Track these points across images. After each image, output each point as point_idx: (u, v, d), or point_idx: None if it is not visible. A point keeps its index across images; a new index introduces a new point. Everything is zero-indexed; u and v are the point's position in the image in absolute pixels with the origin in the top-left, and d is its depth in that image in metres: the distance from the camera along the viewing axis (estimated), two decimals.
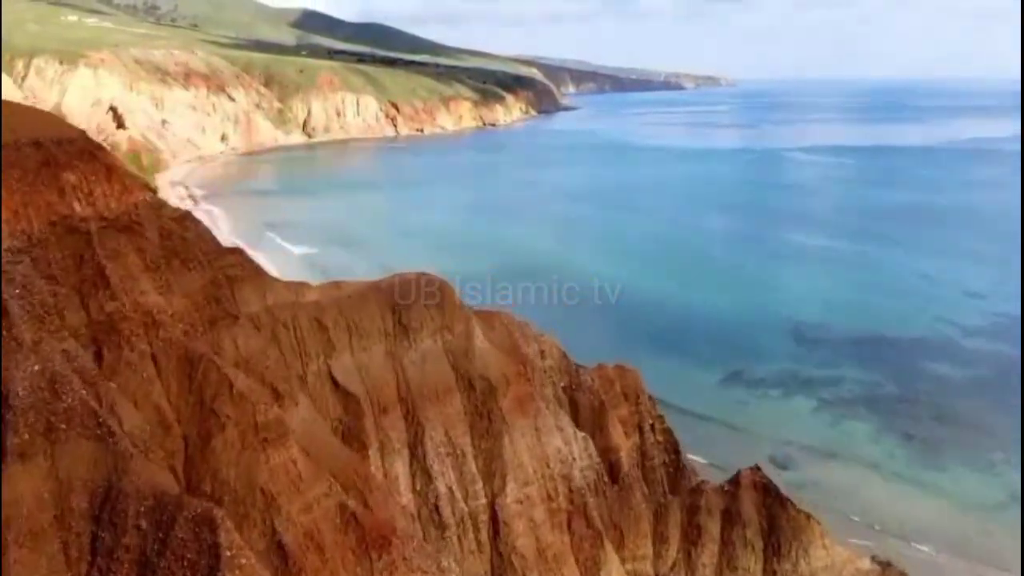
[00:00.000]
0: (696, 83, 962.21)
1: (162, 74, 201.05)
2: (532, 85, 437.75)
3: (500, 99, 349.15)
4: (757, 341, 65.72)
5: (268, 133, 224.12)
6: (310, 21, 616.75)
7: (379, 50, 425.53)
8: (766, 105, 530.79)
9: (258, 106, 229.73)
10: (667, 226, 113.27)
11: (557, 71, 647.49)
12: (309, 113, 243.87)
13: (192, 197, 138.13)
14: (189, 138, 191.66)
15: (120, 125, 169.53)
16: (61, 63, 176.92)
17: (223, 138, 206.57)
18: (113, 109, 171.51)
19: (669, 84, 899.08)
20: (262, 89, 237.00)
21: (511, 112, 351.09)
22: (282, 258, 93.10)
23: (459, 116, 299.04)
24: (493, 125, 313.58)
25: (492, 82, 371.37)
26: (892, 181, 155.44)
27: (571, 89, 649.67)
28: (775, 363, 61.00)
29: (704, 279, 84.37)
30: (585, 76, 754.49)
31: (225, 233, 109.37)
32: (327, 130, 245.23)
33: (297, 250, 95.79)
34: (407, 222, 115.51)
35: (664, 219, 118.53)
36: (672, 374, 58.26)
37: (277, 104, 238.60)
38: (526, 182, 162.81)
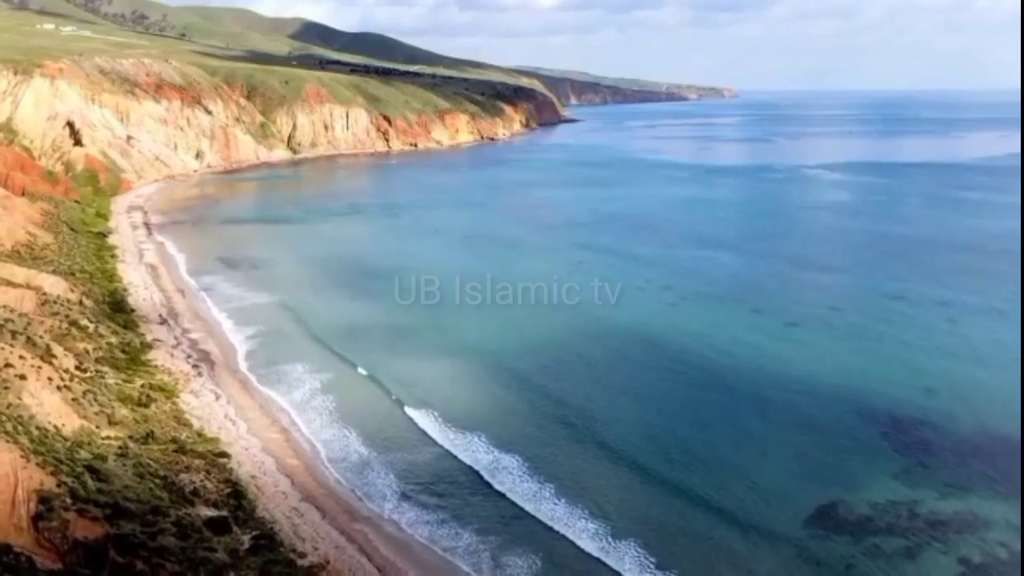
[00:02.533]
0: (699, 94, 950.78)
1: (130, 85, 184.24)
2: (533, 96, 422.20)
3: (499, 112, 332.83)
4: (845, 447, 48.24)
5: (249, 149, 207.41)
6: (307, 32, 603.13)
7: (375, 61, 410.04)
8: (773, 117, 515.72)
9: (238, 120, 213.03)
10: (697, 264, 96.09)
11: (558, 82, 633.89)
12: (294, 127, 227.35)
13: (147, 224, 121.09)
14: (158, 155, 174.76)
15: (77, 142, 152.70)
16: (15, 73, 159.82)
17: (198, 155, 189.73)
18: (70, 124, 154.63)
19: (672, 95, 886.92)
20: (243, 101, 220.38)
21: (511, 125, 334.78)
22: (229, 307, 75.94)
23: (456, 130, 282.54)
24: (492, 139, 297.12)
25: (491, 94, 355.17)
26: (944, 204, 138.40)
27: (573, 100, 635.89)
28: (880, 488, 43.47)
29: (754, 341, 66.90)
30: (587, 87, 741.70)
31: (178, 271, 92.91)
32: (314, 145, 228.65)
33: (238, 302, 78.08)
34: (387, 258, 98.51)
35: (692, 256, 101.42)
36: (720, 519, 40.67)
37: (260, 117, 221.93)
38: (529, 205, 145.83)
